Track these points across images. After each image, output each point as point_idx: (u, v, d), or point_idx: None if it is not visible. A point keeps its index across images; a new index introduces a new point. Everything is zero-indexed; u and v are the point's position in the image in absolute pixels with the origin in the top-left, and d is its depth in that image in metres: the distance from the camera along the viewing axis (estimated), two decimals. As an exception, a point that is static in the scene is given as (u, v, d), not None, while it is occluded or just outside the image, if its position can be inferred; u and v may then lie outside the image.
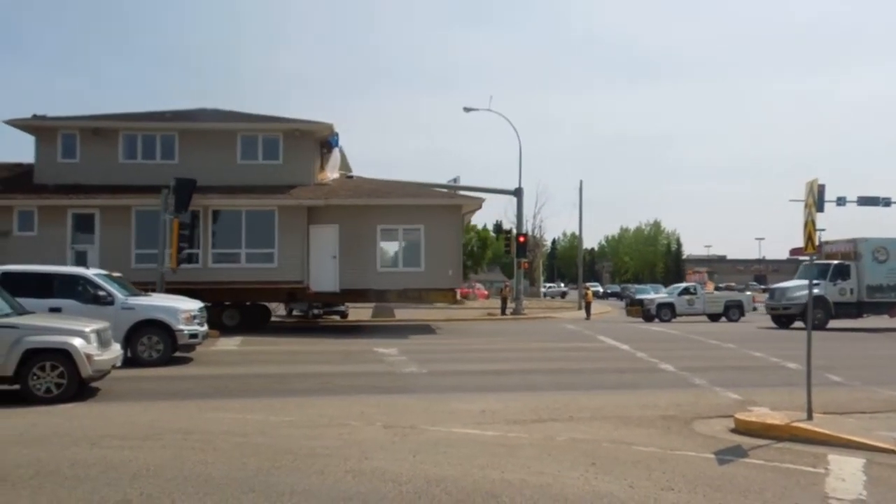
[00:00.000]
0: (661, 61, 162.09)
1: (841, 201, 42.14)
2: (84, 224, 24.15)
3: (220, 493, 5.82)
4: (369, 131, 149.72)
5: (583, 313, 38.83)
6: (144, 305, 15.20)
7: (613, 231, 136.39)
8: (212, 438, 7.86)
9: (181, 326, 14.96)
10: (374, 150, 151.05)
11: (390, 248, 25.67)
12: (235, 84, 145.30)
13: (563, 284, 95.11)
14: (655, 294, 38.10)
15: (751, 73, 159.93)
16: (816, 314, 26.96)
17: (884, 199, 43.24)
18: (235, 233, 24.42)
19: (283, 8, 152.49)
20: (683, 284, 36.79)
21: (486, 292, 65.01)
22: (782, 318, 28.53)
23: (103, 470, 6.52)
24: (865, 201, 42.87)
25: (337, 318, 32.20)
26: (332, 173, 28.28)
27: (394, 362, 15.31)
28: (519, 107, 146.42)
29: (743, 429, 8.65)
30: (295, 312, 33.43)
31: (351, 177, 29.63)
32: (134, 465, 6.66)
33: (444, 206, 26.24)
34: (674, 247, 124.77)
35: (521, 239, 37.97)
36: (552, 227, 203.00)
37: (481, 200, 27.39)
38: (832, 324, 27.12)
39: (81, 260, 22.91)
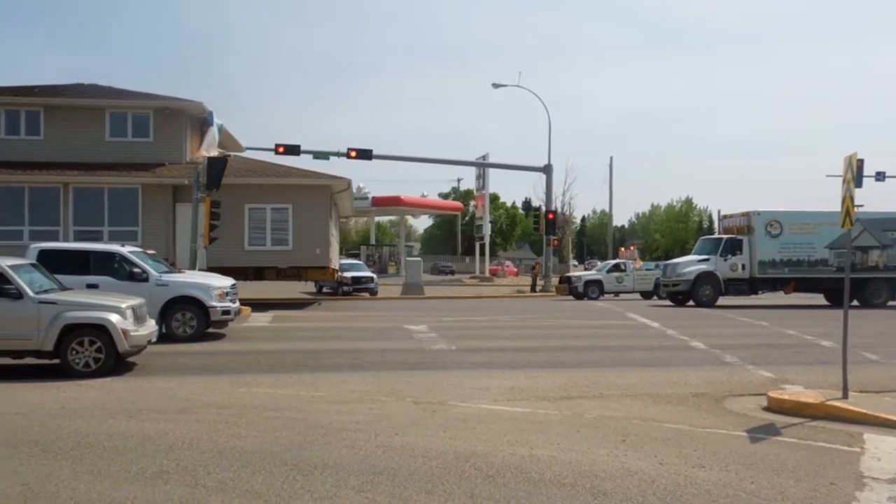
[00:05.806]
0: (694, 33, 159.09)
1: (880, 176, 41.13)
2: None
3: (253, 466, 5.93)
4: (398, 109, 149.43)
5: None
6: (178, 282, 15.45)
7: (644, 208, 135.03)
8: (245, 413, 8.00)
9: (214, 303, 15.21)
10: (402, 128, 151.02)
11: (258, 227, 25.40)
12: (254, 61, 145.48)
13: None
14: (583, 272, 37.57)
15: (786, 45, 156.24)
16: (705, 291, 26.20)
17: (925, 174, 42.12)
18: (98, 211, 24.30)
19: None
20: (613, 261, 35.86)
21: (515, 270, 64.97)
22: (677, 296, 27.19)
23: (141, 442, 6.68)
24: (905, 176, 41.79)
25: (367, 294, 32.54)
26: (208, 152, 27.76)
27: (423, 339, 15.39)
28: (548, 82, 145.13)
29: (776, 407, 8.54)
30: (325, 290, 33.89)
31: (228, 156, 29.48)
32: (170, 438, 6.81)
33: (312, 186, 26.04)
34: (706, 224, 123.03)
35: (550, 216, 37.82)
36: (582, 203, 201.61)
37: (348, 181, 26.77)
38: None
39: None
